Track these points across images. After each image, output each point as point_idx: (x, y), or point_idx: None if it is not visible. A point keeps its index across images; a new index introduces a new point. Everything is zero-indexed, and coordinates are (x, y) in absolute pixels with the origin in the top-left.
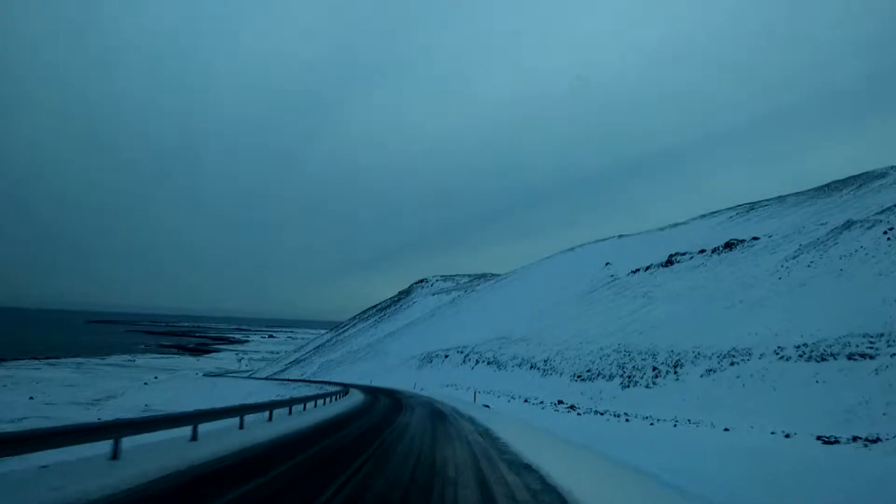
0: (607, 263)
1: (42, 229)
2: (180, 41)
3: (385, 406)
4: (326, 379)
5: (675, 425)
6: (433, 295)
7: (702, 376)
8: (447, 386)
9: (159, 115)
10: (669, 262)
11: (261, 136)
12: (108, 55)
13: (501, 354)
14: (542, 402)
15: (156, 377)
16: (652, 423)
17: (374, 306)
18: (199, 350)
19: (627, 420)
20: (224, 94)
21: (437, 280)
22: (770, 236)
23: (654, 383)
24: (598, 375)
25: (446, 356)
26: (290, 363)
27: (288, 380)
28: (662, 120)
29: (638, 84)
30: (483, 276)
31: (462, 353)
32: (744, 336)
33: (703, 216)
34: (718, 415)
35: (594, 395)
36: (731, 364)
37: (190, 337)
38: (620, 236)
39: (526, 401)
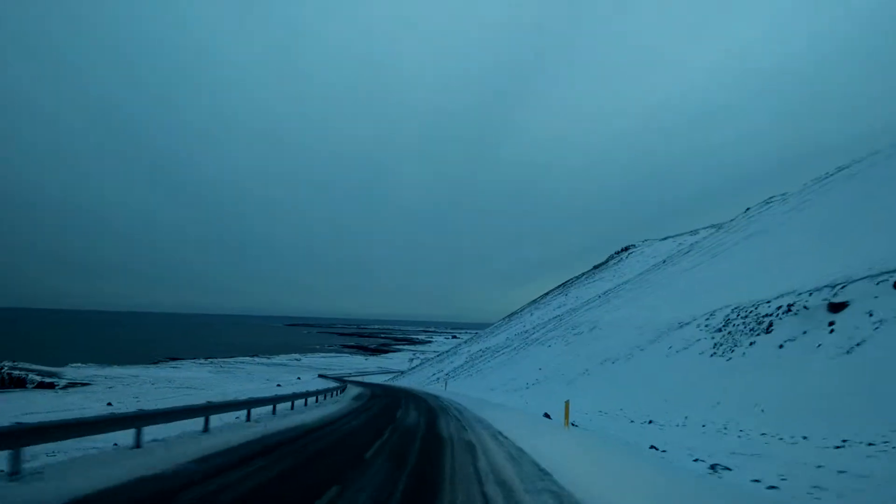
0: None
1: (258, 243)
2: (374, 53)
3: None
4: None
5: None
6: (661, 240)
7: None
8: None
9: (354, 137)
10: None
11: (443, 146)
12: (303, 82)
13: None
14: None
15: (298, 378)
16: None
17: (560, 285)
18: (379, 350)
19: None
20: (408, 108)
21: (654, 241)
22: None
23: None
24: None
25: (768, 325)
26: (431, 359)
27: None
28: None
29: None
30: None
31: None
32: None
33: None
34: None
35: None
36: None
37: (376, 338)
38: None
39: None
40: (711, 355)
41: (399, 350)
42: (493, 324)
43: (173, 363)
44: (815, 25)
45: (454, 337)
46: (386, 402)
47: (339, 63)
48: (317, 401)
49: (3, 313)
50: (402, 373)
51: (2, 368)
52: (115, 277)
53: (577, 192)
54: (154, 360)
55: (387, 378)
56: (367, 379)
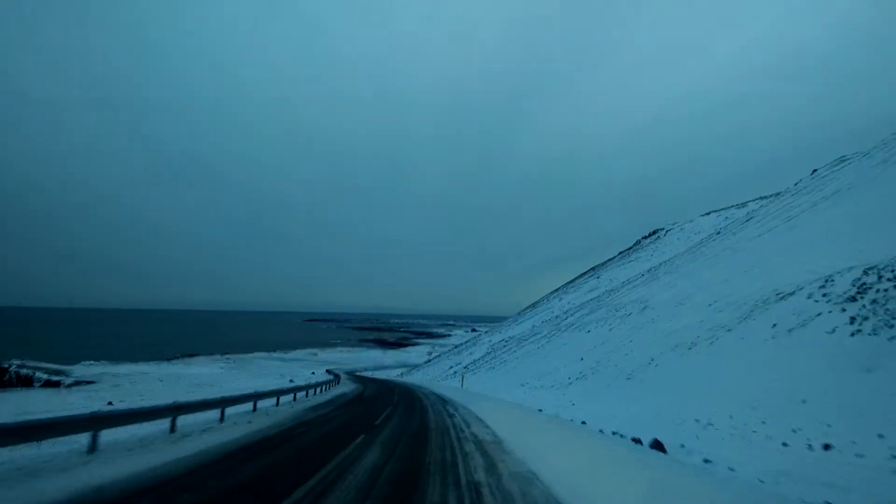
0: None
1: (279, 242)
2: (388, 64)
3: None
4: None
5: None
6: (703, 216)
7: None
8: None
9: (376, 140)
10: None
11: (461, 145)
12: (323, 81)
13: None
14: None
15: (313, 373)
16: None
17: (589, 269)
18: (398, 344)
19: None
20: (425, 108)
21: (695, 217)
22: None
23: None
24: None
25: None
26: (447, 351)
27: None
28: None
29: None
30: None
31: None
32: None
33: None
34: None
35: None
36: None
37: (395, 332)
38: None
39: None
40: (852, 335)
41: (418, 344)
42: (513, 316)
43: (188, 360)
44: (839, 9)
45: (473, 330)
46: (362, 411)
47: (358, 63)
48: (295, 398)
49: (20, 313)
50: (418, 366)
51: (9, 367)
52: (139, 276)
53: (591, 187)
54: (170, 357)
55: (400, 371)
56: (378, 373)
